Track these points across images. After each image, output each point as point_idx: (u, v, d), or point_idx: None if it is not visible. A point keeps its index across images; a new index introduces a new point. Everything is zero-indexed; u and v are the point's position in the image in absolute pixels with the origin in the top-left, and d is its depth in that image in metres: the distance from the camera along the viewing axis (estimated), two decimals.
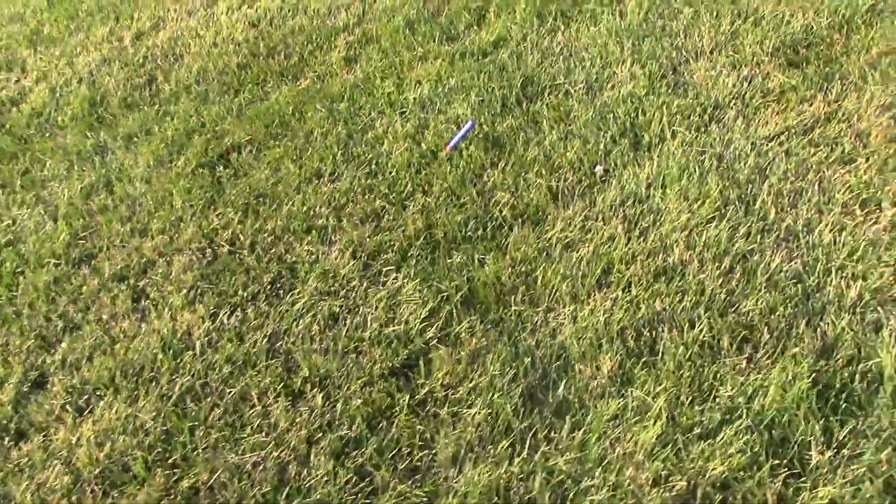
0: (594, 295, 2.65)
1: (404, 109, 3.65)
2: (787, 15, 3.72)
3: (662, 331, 2.50)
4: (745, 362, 2.36)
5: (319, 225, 3.16)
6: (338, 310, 2.81)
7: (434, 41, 4.08)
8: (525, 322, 2.62)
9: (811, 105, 3.19)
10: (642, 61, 3.58)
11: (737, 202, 2.84)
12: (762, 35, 3.60)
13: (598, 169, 3.11)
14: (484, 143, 3.33)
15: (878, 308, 2.43)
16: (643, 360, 2.43)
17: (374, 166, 3.38)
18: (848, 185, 2.83)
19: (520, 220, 2.97)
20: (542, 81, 3.61)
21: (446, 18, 4.26)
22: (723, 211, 2.82)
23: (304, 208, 3.24)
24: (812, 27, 3.62)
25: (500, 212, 3.00)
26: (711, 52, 3.58)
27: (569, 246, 2.84)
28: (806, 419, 2.20)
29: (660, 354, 2.43)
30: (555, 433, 2.31)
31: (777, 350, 2.38)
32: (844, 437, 2.16)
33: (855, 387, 2.25)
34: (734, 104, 3.27)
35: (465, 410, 2.42)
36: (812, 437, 2.16)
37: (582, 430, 2.30)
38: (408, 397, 2.47)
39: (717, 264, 2.65)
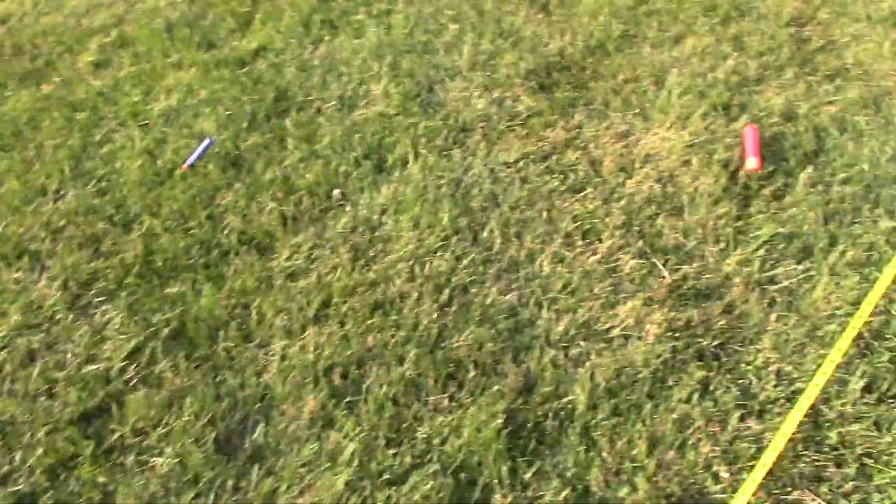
0: (309, 329, 2.56)
1: (147, 122, 3.44)
2: (547, 36, 3.76)
3: (370, 368, 2.43)
4: (446, 400, 2.33)
5: (33, 250, 2.91)
6: (37, 346, 2.59)
7: (192, 48, 3.89)
8: (234, 359, 2.50)
9: (553, 131, 3.23)
10: (399, 78, 3.52)
11: (466, 231, 2.82)
12: (519, 56, 3.63)
13: (336, 193, 3.02)
14: (224, 161, 3.18)
15: (582, 342, 2.46)
16: (346, 400, 2.36)
17: (104, 184, 3.16)
18: (575, 214, 2.87)
19: (247, 247, 2.84)
20: (296, 96, 3.49)
21: (209, 23, 4.06)
22: (451, 240, 2.79)
23: (20, 230, 2.98)
24: (567, 50, 3.68)
25: (228, 238, 2.86)
26: (469, 72, 3.57)
27: (292, 276, 2.74)
28: (495, 460, 2.18)
29: (364, 394, 2.37)
30: (245, 482, 2.20)
31: (480, 387, 2.36)
32: (529, 478, 2.16)
33: (547, 425, 2.26)
34: (481, 127, 3.27)
35: (153, 459, 2.26)
36: (498, 480, 2.15)
37: (272, 478, 2.20)
38: (94, 445, 2.29)
39: (435, 297, 2.61)
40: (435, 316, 2.56)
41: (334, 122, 3.34)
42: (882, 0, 3.96)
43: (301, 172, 3.10)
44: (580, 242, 2.79)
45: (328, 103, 3.44)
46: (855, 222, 2.81)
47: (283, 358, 2.49)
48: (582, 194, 2.95)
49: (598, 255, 2.73)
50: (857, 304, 2.52)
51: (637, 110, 3.32)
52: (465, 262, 2.73)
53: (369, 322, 2.55)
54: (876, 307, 2.50)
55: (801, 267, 2.66)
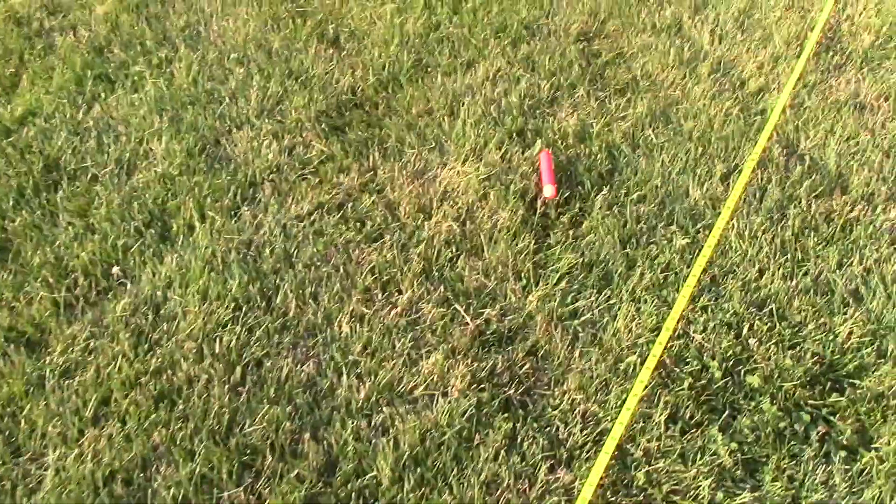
0: (87, 433, 2.31)
1: None
2: (337, 73, 3.63)
3: (157, 469, 2.22)
4: (242, 494, 2.14)
5: None
6: None
7: None
8: (2, 480, 2.22)
9: (347, 176, 3.10)
10: (182, 134, 3.30)
11: (258, 298, 2.65)
12: (309, 97, 3.48)
13: (116, 270, 2.78)
14: None
15: (385, 408, 2.34)
16: None
17: None
18: (373, 265, 2.74)
19: (14, 345, 2.55)
20: (68, 164, 3.21)
21: None
22: (242, 310, 2.60)
23: None
24: (359, 86, 3.56)
25: None
26: (257, 119, 3.39)
27: (67, 373, 2.48)
28: None
29: (149, 501, 2.15)
30: None
31: (278, 474, 2.20)
32: None
33: None
34: (271, 179, 3.10)
35: None
36: None
37: None
38: None
39: (226, 377, 2.42)
40: (226, 399, 2.38)
41: (111, 189, 3.08)
42: (664, 8, 4.06)
43: (75, 251, 2.83)
44: (380, 296, 2.67)
45: (104, 169, 3.18)
46: (651, 243, 2.83)
47: (57, 471, 2.24)
48: (380, 243, 2.84)
49: (399, 308, 2.62)
50: (656, 330, 2.52)
51: (432, 145, 3.25)
52: (258, 332, 2.56)
53: (154, 416, 2.34)
54: (674, 331, 2.51)
55: (601, 296, 2.65)
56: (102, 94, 3.60)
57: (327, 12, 4.09)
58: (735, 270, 2.71)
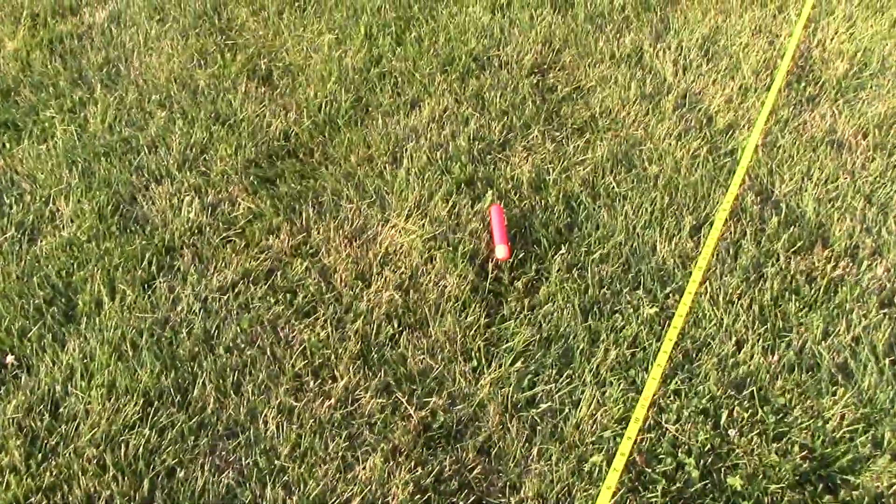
0: None
1: None
2: (269, 115, 3.28)
3: None
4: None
5: None
6: None
7: None
8: None
9: (277, 237, 2.76)
10: (94, 190, 2.93)
11: (172, 390, 2.30)
12: (237, 144, 3.13)
13: (9, 360, 2.41)
14: None
15: None
16: None
17: None
18: (304, 345, 2.40)
19: None
20: None
21: None
22: (154, 407, 2.25)
23: None
24: (293, 130, 3.21)
25: None
26: (179, 171, 3.03)
27: None
28: None
29: None
30: None
31: None
32: None
33: None
34: (192, 244, 2.74)
35: None
36: None
37: None
38: None
39: (132, 492, 2.07)
40: None
41: (11, 260, 2.71)
42: (623, 36, 3.76)
43: None
44: (311, 384, 2.34)
45: (4, 235, 2.80)
46: (615, 311, 2.53)
47: None
48: (312, 318, 2.50)
49: (333, 399, 2.29)
50: (624, 420, 2.21)
51: (372, 198, 2.92)
52: (170, 434, 2.21)
53: None
54: (645, 421, 2.20)
55: (562, 379, 2.34)
56: (7, 145, 3.22)
57: (259, 45, 3.75)
58: (710, 343, 2.42)
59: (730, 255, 2.71)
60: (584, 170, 3.04)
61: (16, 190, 3.01)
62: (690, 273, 2.64)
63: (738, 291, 2.58)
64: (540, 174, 3.02)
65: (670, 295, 2.59)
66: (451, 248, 2.72)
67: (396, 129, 3.22)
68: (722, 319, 2.50)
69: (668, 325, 2.48)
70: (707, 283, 2.61)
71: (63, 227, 2.84)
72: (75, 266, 2.69)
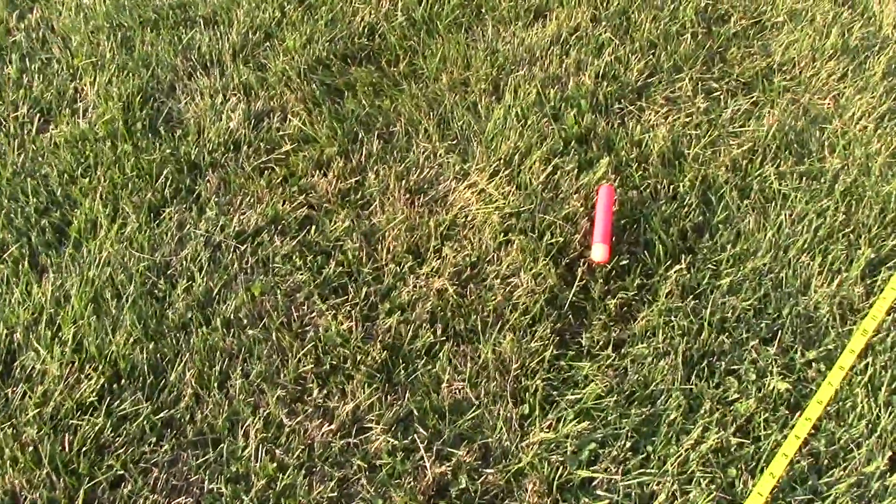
0: None
1: None
2: (357, 0, 2.53)
3: None
4: None
5: None
6: None
7: None
8: None
9: (326, 175, 2.15)
10: (129, 70, 2.36)
11: (146, 368, 1.83)
12: (309, 33, 2.45)
13: None
14: None
15: None
16: None
17: None
18: (320, 336, 1.84)
19: None
20: None
21: None
22: (118, 386, 1.76)
23: None
24: (381, 27, 2.50)
25: None
26: (232, 60, 2.39)
27: None
28: None
29: None
30: None
31: None
32: None
33: None
34: (223, 164, 2.17)
35: None
36: None
37: None
38: None
39: (63, 500, 1.60)
40: None
41: (13, 149, 2.21)
42: None
43: None
44: (315, 394, 1.81)
45: (17, 111, 2.27)
46: (731, 372, 1.82)
47: None
48: (341, 298, 1.90)
49: (336, 423, 1.79)
50: None
51: (455, 140, 2.21)
52: (130, 428, 1.77)
53: None
54: None
55: (635, 458, 1.66)
56: None
57: None
58: (851, 452, 1.66)
59: None
60: (738, 147, 2.18)
61: (45, 53, 2.44)
62: (850, 336, 1.83)
63: None
64: (678, 144, 2.20)
65: (815, 363, 1.81)
66: (535, 234, 1.99)
67: (508, 48, 2.42)
68: (877, 419, 1.72)
69: (799, 415, 1.72)
70: (869, 357, 1.80)
71: (82, 113, 2.27)
72: (80, 171, 2.13)
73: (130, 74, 2.37)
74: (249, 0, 2.58)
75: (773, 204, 2.09)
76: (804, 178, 2.15)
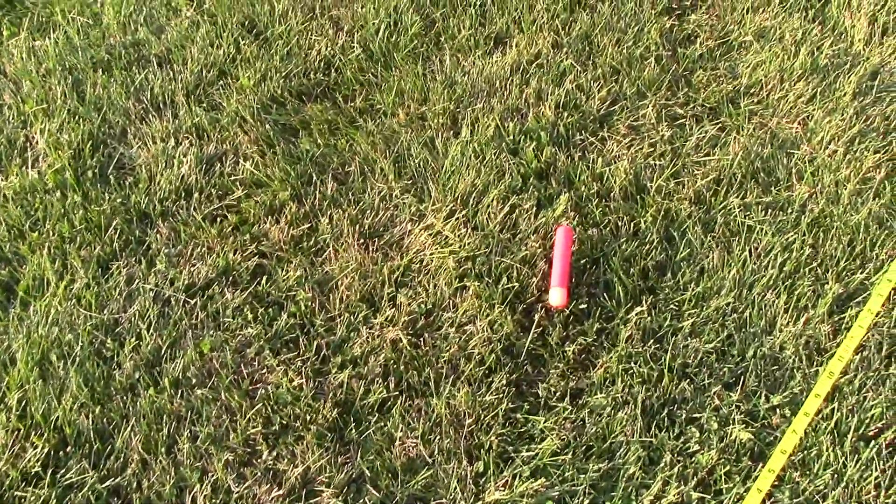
0: None
1: None
2: (314, 33, 2.48)
3: None
4: None
5: None
6: None
7: None
8: None
9: (279, 221, 2.09)
10: (79, 116, 2.29)
11: (92, 434, 1.80)
12: (265, 69, 2.39)
13: None
14: None
15: None
16: None
17: None
18: (270, 396, 1.78)
19: None
20: None
21: None
22: (66, 451, 1.71)
23: None
24: (337, 60, 2.43)
25: None
26: (187, 99, 2.33)
27: None
28: None
29: None
30: None
31: None
32: None
33: None
34: (174, 212, 2.11)
35: None
36: None
37: None
38: None
39: None
40: None
41: None
42: None
43: None
44: (265, 456, 1.75)
45: None
46: (693, 421, 1.74)
47: None
48: (293, 353, 1.83)
49: (285, 488, 1.74)
50: None
51: (411, 179, 2.13)
52: (75, 499, 1.67)
53: None
54: None
55: None
56: (6, 31, 2.56)
57: None
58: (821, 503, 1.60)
59: (880, 356, 1.80)
60: (702, 178, 2.11)
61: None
62: (816, 378, 1.76)
63: (879, 426, 1.70)
64: (640, 176, 2.12)
65: (779, 408, 1.75)
66: (491, 279, 1.93)
67: (466, 79, 2.35)
68: (844, 468, 1.65)
69: (764, 464, 1.66)
70: (836, 401, 1.73)
71: (31, 163, 2.21)
72: (28, 225, 2.07)
73: (81, 120, 2.32)
74: (204, 36, 2.51)
75: (738, 238, 2.02)
76: (770, 210, 2.08)
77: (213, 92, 2.39)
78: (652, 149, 2.21)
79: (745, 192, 2.10)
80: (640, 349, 1.85)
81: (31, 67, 2.46)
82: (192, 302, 1.97)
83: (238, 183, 2.18)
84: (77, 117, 2.33)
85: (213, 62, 2.46)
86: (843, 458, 1.69)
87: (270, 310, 1.96)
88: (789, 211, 2.07)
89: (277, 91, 2.38)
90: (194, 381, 1.84)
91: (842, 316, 1.90)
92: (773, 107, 2.29)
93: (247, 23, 2.57)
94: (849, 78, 2.33)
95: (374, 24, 2.51)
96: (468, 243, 2.01)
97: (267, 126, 2.30)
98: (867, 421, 1.74)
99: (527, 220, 2.06)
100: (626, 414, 1.76)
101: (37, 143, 2.29)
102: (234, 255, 2.05)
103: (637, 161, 2.17)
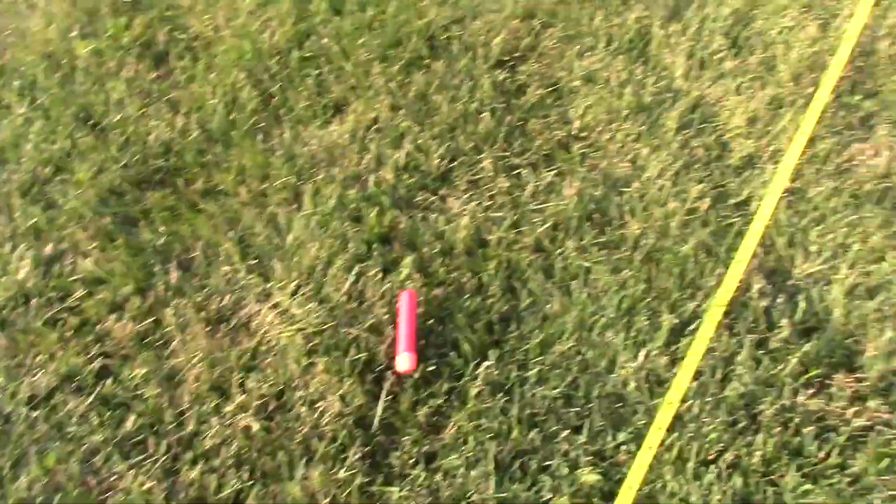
0: None
1: None
2: (151, 118, 2.47)
3: None
4: None
5: None
6: None
7: None
8: None
9: (122, 318, 2.05)
10: None
11: None
12: (102, 160, 2.40)
13: None
14: None
15: None
16: None
17: None
18: None
19: None
20: None
21: None
22: None
23: None
24: (176, 144, 2.42)
25: None
26: (22, 198, 2.28)
27: None
28: None
29: None
30: None
31: None
32: None
33: None
34: (11, 321, 2.06)
35: None
36: None
37: None
38: None
39: None
40: None
41: None
42: (629, 10, 2.75)
43: None
44: None
45: None
46: (544, 469, 1.77)
47: None
48: (142, 456, 1.79)
49: None
50: None
51: (256, 258, 2.13)
52: None
53: None
54: None
55: None
56: None
57: (165, 5, 2.84)
58: None
59: (714, 381, 1.88)
60: (541, 225, 2.18)
61: None
62: (657, 410, 1.83)
63: (717, 449, 1.77)
64: (481, 230, 2.17)
65: (625, 444, 1.80)
66: (340, 352, 1.94)
67: (306, 150, 2.37)
68: (687, 496, 1.71)
69: (613, 501, 1.71)
70: (675, 430, 1.80)
71: None
72: None
73: None
74: (38, 132, 2.47)
75: (578, 280, 2.09)
76: (606, 249, 2.15)
77: (50, 190, 2.35)
78: (491, 201, 2.27)
79: (581, 235, 2.18)
80: (490, 403, 1.89)
81: None
82: (35, 415, 1.91)
83: (78, 282, 2.14)
84: None
85: (48, 158, 2.42)
86: (687, 486, 1.76)
87: (118, 412, 1.92)
88: (623, 248, 2.15)
89: (116, 182, 2.36)
90: (40, 499, 1.79)
91: (677, 345, 1.98)
92: (603, 148, 2.39)
93: (82, 114, 2.54)
94: (671, 113, 2.45)
95: (211, 103, 2.52)
96: (315, 318, 2.02)
97: (106, 219, 2.27)
98: (706, 446, 1.81)
99: (372, 288, 2.09)
100: (479, 472, 1.79)
101: None
102: (76, 358, 2.01)
103: (477, 216, 2.23)
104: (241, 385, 1.95)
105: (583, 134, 2.43)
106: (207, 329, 2.04)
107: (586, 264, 2.12)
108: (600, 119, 2.46)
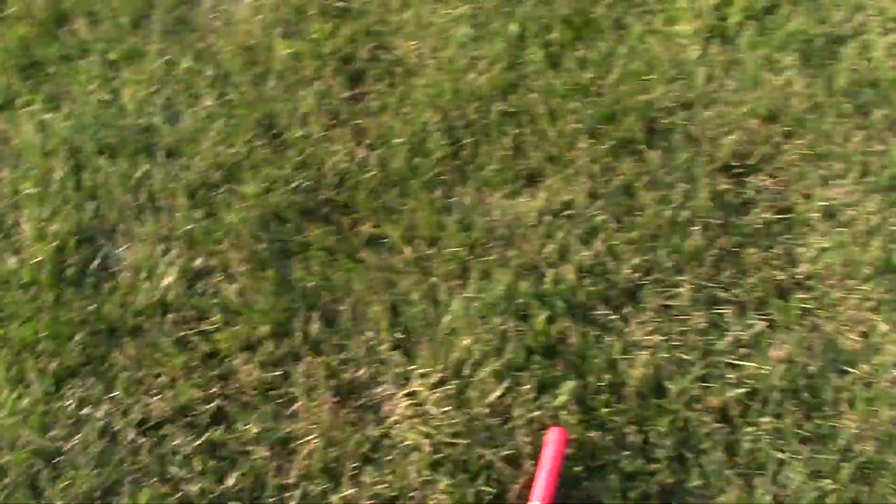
0: None
1: None
2: (333, 142, 2.38)
3: None
4: None
5: None
6: None
7: None
8: None
9: (251, 360, 1.99)
10: (59, 214, 2.22)
11: None
12: (271, 179, 2.29)
13: None
14: None
15: None
16: None
17: None
18: None
19: None
20: None
21: None
22: None
23: None
24: (351, 178, 2.32)
25: None
26: (188, 199, 2.26)
27: None
28: None
29: None
30: None
31: None
32: None
33: None
34: (146, 329, 2.04)
35: None
36: None
37: None
38: None
39: None
40: None
41: None
42: None
43: None
44: None
45: None
46: None
47: None
48: None
49: None
50: None
51: (403, 333, 1.98)
52: None
53: None
54: None
55: None
56: None
57: (375, 18, 2.75)
58: None
59: None
60: (734, 388, 1.91)
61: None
62: None
63: None
64: (661, 374, 1.93)
65: None
66: (468, 474, 1.76)
67: (486, 220, 2.20)
68: None
69: None
70: None
71: (13, 252, 2.15)
72: None
73: (73, 209, 2.25)
74: (219, 131, 2.42)
75: (764, 475, 1.80)
76: (809, 443, 1.85)
77: (215, 197, 2.30)
78: (681, 340, 2.01)
79: (781, 414, 1.88)
80: None
81: (37, 142, 2.41)
82: (141, 441, 1.85)
83: (218, 307, 2.07)
84: (69, 205, 2.26)
85: (221, 162, 2.37)
86: None
87: (222, 464, 1.83)
88: (831, 448, 1.83)
89: (282, 205, 2.27)
90: None
91: None
92: (831, 308, 2.07)
93: (265, 121, 2.48)
94: None
95: (398, 141, 2.39)
96: (450, 425, 1.85)
97: (262, 245, 2.19)
98: None
99: (522, 407, 1.89)
100: None
101: (23, 230, 2.23)
102: (196, 391, 1.93)
103: (660, 353, 1.98)
104: (354, 477, 1.81)
105: (809, 282, 2.12)
106: (335, 400, 1.91)
107: (780, 455, 1.82)
108: (835, 270, 2.13)
